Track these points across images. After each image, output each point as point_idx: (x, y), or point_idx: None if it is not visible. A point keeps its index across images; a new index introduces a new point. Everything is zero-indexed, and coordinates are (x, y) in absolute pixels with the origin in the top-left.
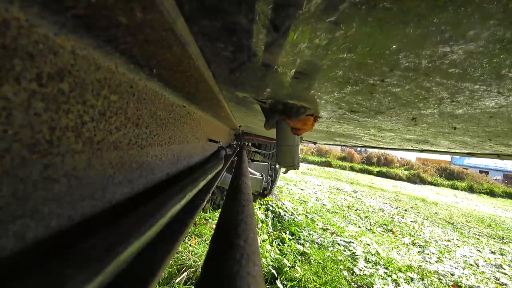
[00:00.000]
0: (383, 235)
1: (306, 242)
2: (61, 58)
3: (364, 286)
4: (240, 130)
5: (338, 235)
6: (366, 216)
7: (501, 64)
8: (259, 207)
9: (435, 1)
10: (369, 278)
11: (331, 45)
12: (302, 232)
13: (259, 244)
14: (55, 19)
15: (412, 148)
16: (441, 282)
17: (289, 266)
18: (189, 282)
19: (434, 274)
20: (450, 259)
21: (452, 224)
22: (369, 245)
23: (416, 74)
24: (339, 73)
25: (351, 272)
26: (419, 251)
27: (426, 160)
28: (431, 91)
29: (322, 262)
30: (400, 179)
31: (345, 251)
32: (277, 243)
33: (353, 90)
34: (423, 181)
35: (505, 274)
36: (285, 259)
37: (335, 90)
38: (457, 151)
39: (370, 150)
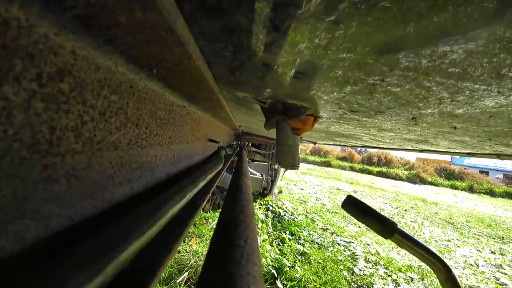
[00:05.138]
0: None
1: (306, 242)
2: (61, 58)
3: (364, 286)
4: (240, 130)
5: (338, 235)
6: None
7: (501, 64)
8: (259, 207)
9: (435, 0)
10: (369, 278)
11: (330, 44)
12: (302, 232)
13: (259, 244)
14: (55, 19)
15: (412, 148)
16: None
17: (289, 266)
18: (189, 283)
19: (434, 274)
20: (450, 259)
21: (452, 224)
22: (369, 245)
23: (416, 74)
24: (339, 73)
25: (351, 272)
26: None
27: (426, 160)
28: (431, 91)
29: (322, 262)
30: (400, 179)
31: (345, 251)
32: (277, 243)
33: (353, 90)
34: (423, 181)
35: (505, 274)
36: (285, 259)
37: (335, 90)
38: (457, 151)
39: (370, 150)
